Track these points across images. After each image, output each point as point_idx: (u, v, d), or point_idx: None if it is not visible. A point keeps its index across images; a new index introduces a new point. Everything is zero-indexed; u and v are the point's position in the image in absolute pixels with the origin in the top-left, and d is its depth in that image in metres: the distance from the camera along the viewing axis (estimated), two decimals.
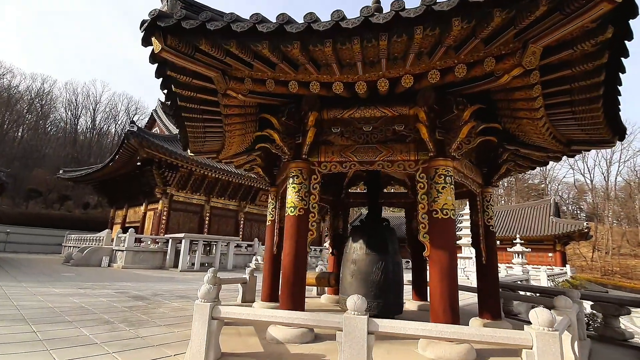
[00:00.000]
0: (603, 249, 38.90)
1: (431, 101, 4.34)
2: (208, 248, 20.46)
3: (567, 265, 26.15)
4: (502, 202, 51.65)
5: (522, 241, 20.23)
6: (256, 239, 24.88)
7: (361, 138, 4.88)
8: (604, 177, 45.48)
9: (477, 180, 5.81)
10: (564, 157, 5.92)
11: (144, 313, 6.49)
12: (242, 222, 27.20)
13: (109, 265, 18.56)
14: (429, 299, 8.05)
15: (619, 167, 58.87)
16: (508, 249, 21.98)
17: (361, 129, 4.87)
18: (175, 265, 18.65)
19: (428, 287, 8.19)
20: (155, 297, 8.73)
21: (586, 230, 25.81)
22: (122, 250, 18.22)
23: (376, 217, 6.38)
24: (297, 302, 4.52)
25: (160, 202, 22.39)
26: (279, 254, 6.52)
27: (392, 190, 9.25)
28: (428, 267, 4.37)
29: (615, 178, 45.22)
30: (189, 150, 6.47)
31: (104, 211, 38.94)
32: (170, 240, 19.51)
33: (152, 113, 29.33)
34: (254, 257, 22.19)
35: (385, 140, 4.87)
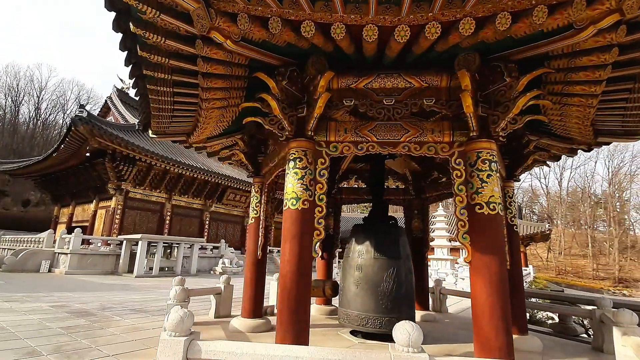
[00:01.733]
0: (556, 249, 41.26)
1: (475, 65, 3.44)
2: (169, 250, 18.50)
3: (529, 265, 27.12)
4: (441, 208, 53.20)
5: None
6: (223, 241, 23.13)
7: (381, 114, 3.87)
8: (558, 182, 48.56)
9: (500, 173, 5.04)
10: None
11: (86, 336, 5.01)
12: (207, 222, 25.25)
13: (49, 271, 16.07)
14: (431, 308, 7.31)
15: (571, 172, 63.52)
16: None
17: (381, 102, 3.86)
18: (130, 270, 16.57)
19: (431, 295, 7.43)
20: (103, 311, 7.14)
21: (548, 232, 26.99)
22: (66, 254, 15.83)
23: (383, 215, 5.40)
24: (301, 326, 3.40)
25: (114, 199, 20.01)
26: (264, 259, 5.35)
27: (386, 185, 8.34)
28: (470, 276, 3.46)
29: (568, 183, 48.34)
30: (150, 132, 5.13)
31: (47, 209, 34.75)
32: (124, 241, 17.36)
33: (106, 100, 26.43)
34: (221, 260, 20.51)
35: (412, 117, 3.90)
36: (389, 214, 5.52)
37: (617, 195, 40.94)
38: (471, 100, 3.38)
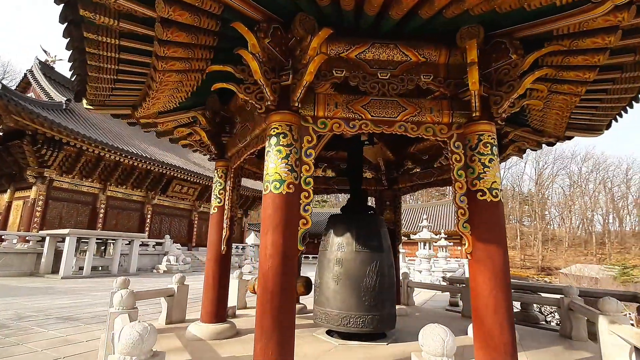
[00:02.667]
0: None
1: (479, 40, 3.15)
2: (103, 248, 16.47)
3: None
4: (409, 200, 55.92)
5: (446, 235, 21.41)
6: (167, 236, 21.32)
7: (375, 88, 3.41)
8: None
9: None
10: None
11: None
12: (149, 216, 23.05)
13: None
14: (401, 302, 7.14)
15: (504, 172, 69.90)
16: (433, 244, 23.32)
17: (375, 76, 3.41)
18: (56, 271, 14.41)
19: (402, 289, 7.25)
20: (19, 322, 5.84)
21: None
22: None
23: (362, 205, 5.01)
24: (287, 334, 2.85)
25: (34, 188, 17.25)
26: (229, 254, 4.67)
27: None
28: (468, 268, 3.19)
29: (501, 182, 53.06)
30: (84, 102, 4.17)
31: None
32: (47, 237, 15.03)
33: (25, 74, 22.61)
34: (165, 257, 18.84)
35: (409, 94, 3.52)
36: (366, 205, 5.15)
37: (541, 194, 46.00)
38: (477, 76, 3.08)
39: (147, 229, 22.58)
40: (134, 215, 22.51)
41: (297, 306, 6.04)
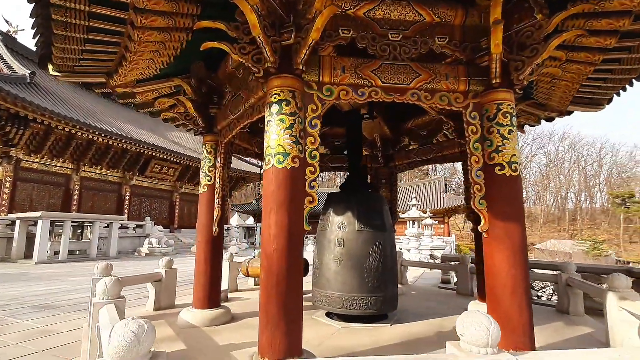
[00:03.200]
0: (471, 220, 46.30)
1: None
2: (80, 231, 15.72)
3: (452, 235, 30.00)
4: None
5: (431, 214, 21.74)
6: (148, 218, 20.63)
7: (385, 51, 3.07)
8: None
9: None
10: None
11: None
12: (127, 197, 22.14)
13: None
14: None
15: None
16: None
17: (386, 37, 3.07)
18: (29, 256, 13.66)
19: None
20: None
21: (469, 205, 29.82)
22: None
23: (363, 182, 4.75)
24: (295, 322, 2.61)
25: (0, 169, 16.08)
26: (221, 236, 4.35)
27: None
28: (485, 247, 3.01)
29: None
30: (50, 68, 3.63)
31: None
32: (18, 221, 14.16)
33: None
34: (147, 240, 18.26)
35: (422, 59, 3.21)
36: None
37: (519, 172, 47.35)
38: (501, 37, 2.80)
39: (126, 210, 21.75)
40: (111, 196, 21.56)
41: None
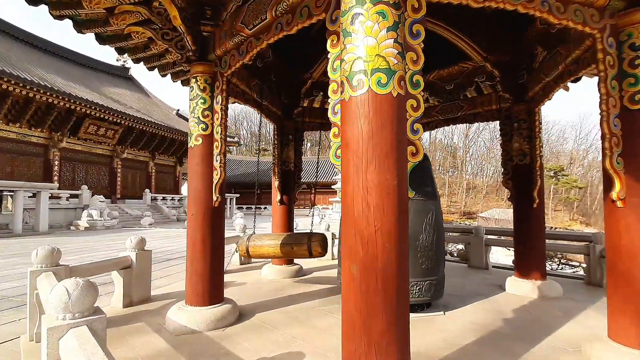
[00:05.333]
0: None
1: None
2: None
3: None
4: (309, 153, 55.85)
5: None
6: (84, 187, 17.84)
7: None
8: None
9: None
10: None
11: None
12: (57, 162, 18.79)
13: None
14: None
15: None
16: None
17: None
18: None
19: None
20: None
21: None
22: None
23: None
24: (404, 348, 1.67)
25: None
26: (222, 208, 3.17)
27: None
28: (614, 220, 2.30)
29: (435, 134, 56.24)
30: None
31: None
32: None
33: None
34: (85, 212, 15.78)
35: None
36: None
37: (466, 146, 50.28)
38: None
39: (56, 178, 18.53)
40: (36, 161, 18.13)
41: (291, 268, 4.90)
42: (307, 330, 2.86)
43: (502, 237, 6.02)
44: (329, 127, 5.45)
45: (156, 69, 4.34)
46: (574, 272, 7.36)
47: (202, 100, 3.11)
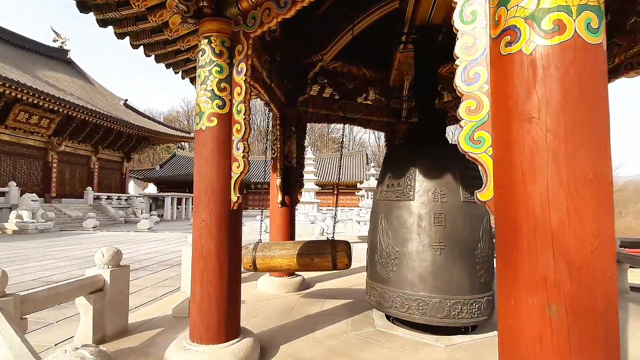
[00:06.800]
0: None
1: None
2: None
3: None
4: (310, 151, 56.10)
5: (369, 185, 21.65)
6: (13, 184, 15.26)
7: None
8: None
9: None
10: None
11: None
12: None
13: None
14: None
15: None
16: (356, 193, 23.58)
17: None
18: None
19: None
20: None
21: None
22: None
23: (442, 129, 3.34)
24: None
25: None
26: (240, 211, 2.44)
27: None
28: None
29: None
30: None
31: None
32: None
33: None
34: (14, 212, 13.44)
35: None
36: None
37: None
38: None
39: None
40: None
41: (293, 280, 4.22)
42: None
43: None
44: (334, 119, 4.79)
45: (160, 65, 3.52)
46: None
47: (218, 69, 2.34)
